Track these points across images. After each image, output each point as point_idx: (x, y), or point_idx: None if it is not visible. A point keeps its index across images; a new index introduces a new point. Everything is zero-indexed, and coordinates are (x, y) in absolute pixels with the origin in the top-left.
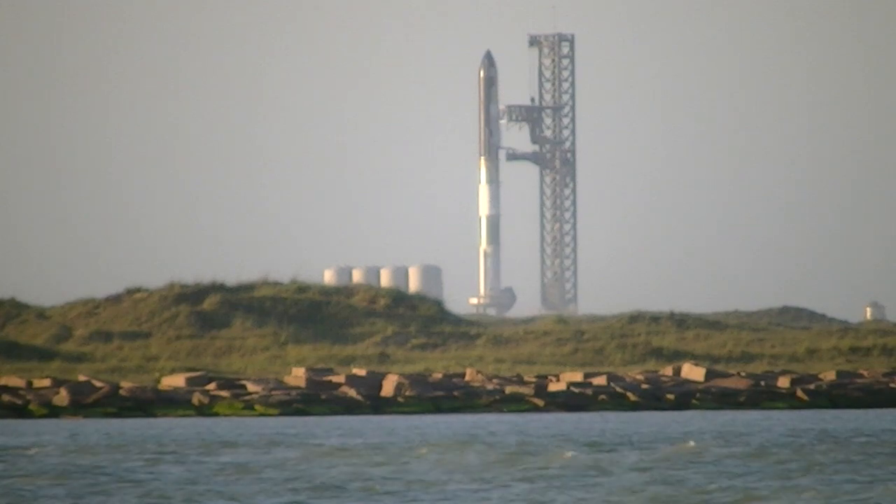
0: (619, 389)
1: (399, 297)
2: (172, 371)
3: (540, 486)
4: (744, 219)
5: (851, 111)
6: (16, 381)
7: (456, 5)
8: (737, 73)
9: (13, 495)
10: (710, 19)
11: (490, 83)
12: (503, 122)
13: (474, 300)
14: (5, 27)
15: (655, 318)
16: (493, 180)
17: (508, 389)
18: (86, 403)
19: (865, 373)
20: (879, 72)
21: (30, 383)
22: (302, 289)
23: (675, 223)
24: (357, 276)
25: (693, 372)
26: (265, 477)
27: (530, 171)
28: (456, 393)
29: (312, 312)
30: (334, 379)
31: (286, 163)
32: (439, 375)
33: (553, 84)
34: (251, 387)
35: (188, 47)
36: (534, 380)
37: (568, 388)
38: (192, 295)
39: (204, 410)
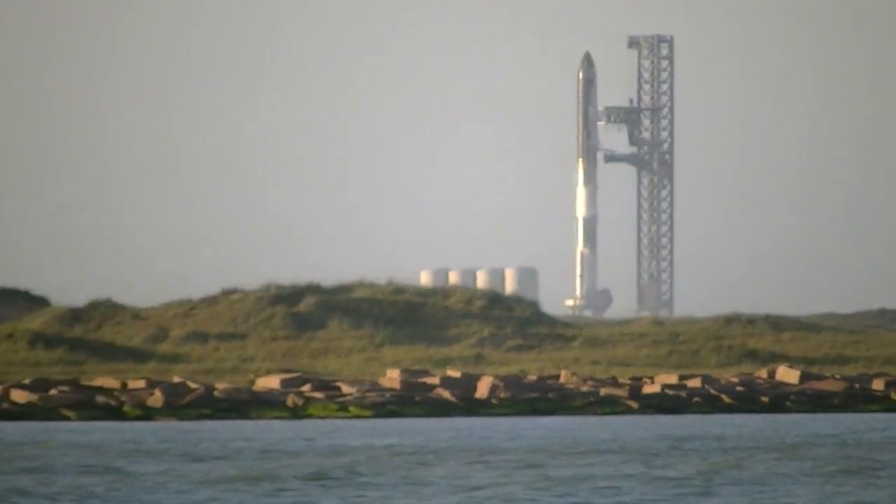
0: (713, 392)
1: (495, 299)
2: (268, 372)
3: None
4: (843, 221)
5: None
6: (111, 382)
7: (555, 6)
8: (839, 70)
9: None
10: (810, 18)
11: (589, 84)
12: (601, 123)
13: (570, 302)
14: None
15: (751, 320)
16: (591, 182)
17: (603, 391)
18: (180, 405)
19: None
20: None
21: (124, 384)
22: (398, 290)
23: (771, 225)
24: (453, 278)
25: (788, 374)
26: None
27: (628, 172)
28: (550, 395)
29: (408, 314)
30: (429, 380)
31: (382, 163)
32: (534, 377)
33: (652, 85)
34: (345, 388)
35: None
36: (628, 382)
37: (662, 390)
38: (288, 296)
39: (298, 412)
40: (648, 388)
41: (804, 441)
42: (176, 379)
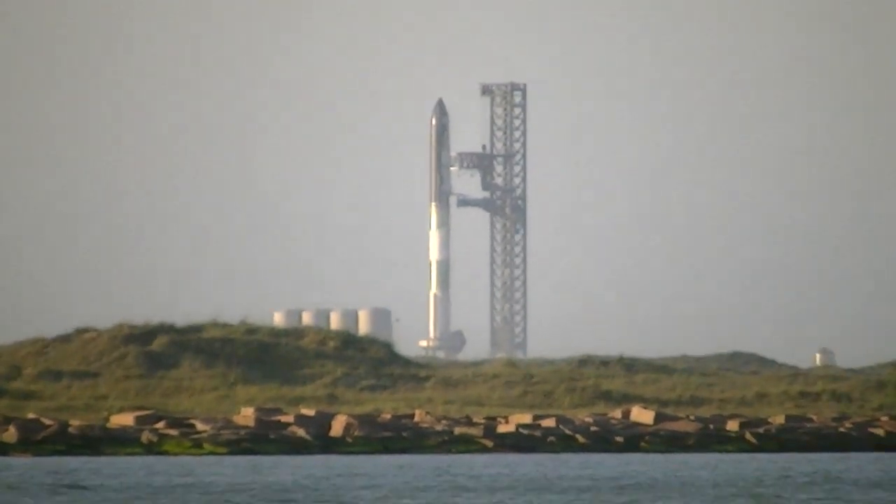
0: (567, 431)
1: (349, 340)
2: (121, 411)
3: None
4: (694, 265)
5: (802, 163)
6: None
7: (409, 53)
8: (688, 121)
9: None
10: (664, 69)
11: (442, 130)
12: (454, 168)
13: (424, 343)
14: None
15: (605, 362)
16: (444, 225)
17: (457, 430)
18: (35, 441)
19: (815, 417)
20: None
21: None
22: (251, 330)
23: (624, 268)
24: (307, 319)
25: (642, 415)
26: None
27: (481, 216)
28: (405, 434)
29: (261, 354)
30: (283, 418)
31: (236, 205)
32: (388, 416)
33: (505, 132)
34: (200, 425)
35: (126, 93)
36: (483, 421)
37: (517, 429)
38: (141, 335)
39: (152, 449)
40: (503, 428)
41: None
42: (30, 415)
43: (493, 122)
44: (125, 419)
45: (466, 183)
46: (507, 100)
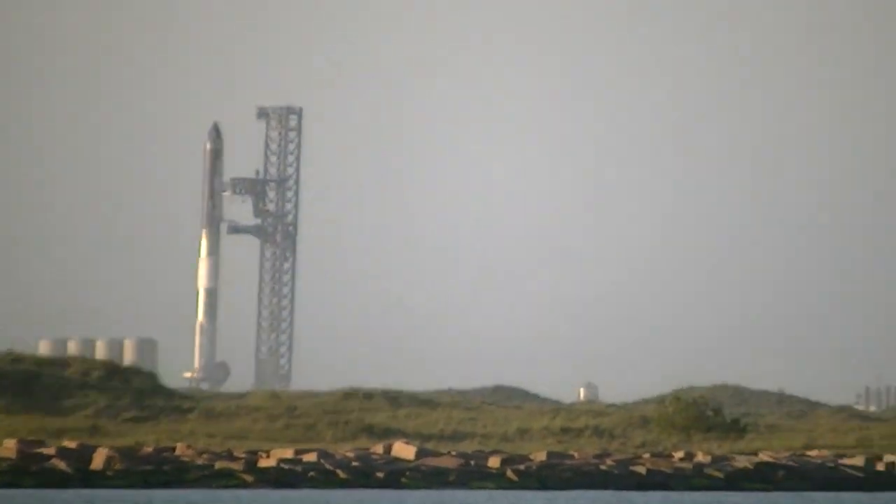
0: (329, 466)
1: (113, 370)
2: None
3: None
4: (458, 296)
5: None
6: None
7: (184, 75)
8: (465, 139)
9: None
10: (443, 89)
11: (216, 155)
12: (227, 194)
13: (188, 374)
14: None
15: (368, 396)
16: (214, 253)
17: (218, 465)
18: None
19: (576, 454)
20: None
21: None
22: (16, 360)
23: (391, 300)
24: (72, 348)
25: (404, 450)
26: None
27: (252, 244)
28: (166, 467)
29: (26, 383)
30: (45, 451)
31: (2, 230)
32: (150, 449)
33: (279, 157)
34: None
35: None
36: (244, 455)
37: (278, 464)
38: None
39: None
40: (264, 462)
41: None
42: None
43: (267, 147)
44: None
45: (239, 209)
46: (283, 123)
